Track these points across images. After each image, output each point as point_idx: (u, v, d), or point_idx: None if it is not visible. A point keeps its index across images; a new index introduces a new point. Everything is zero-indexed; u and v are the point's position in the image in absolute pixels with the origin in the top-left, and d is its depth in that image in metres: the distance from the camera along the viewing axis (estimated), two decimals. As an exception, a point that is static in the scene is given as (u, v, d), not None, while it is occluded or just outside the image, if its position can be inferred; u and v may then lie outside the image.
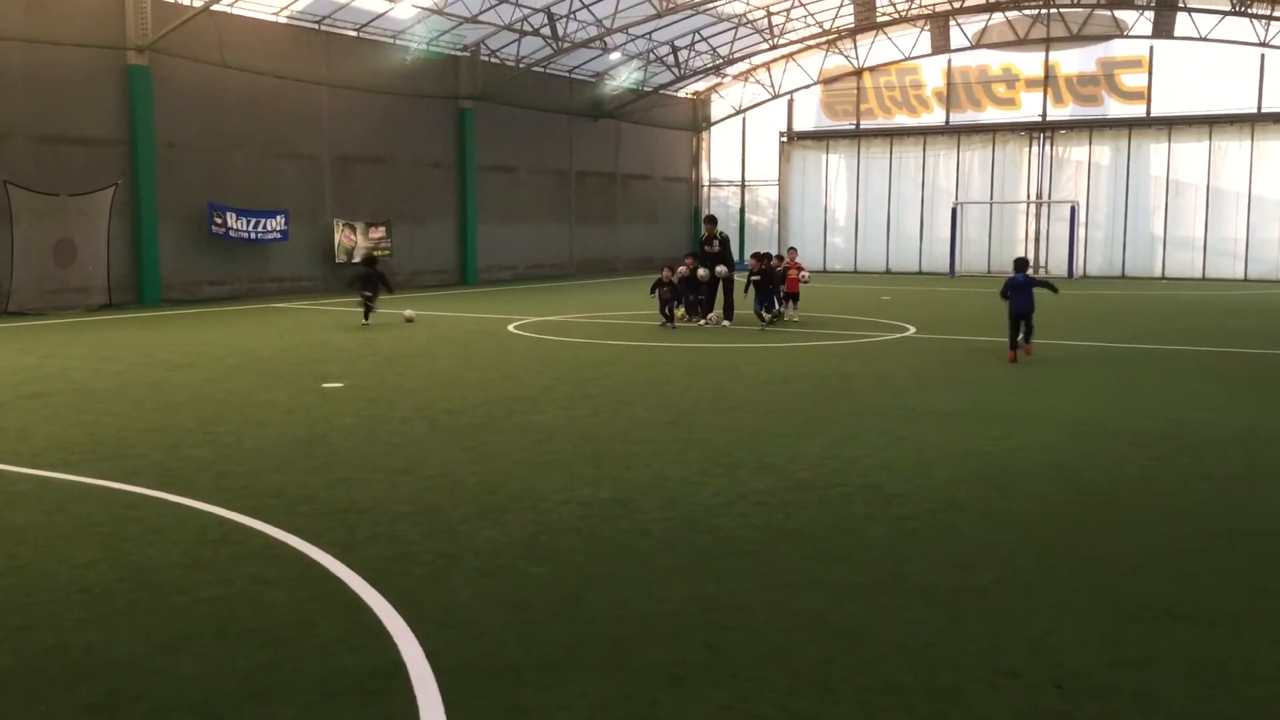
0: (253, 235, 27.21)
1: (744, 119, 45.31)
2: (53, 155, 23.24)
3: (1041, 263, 40.01)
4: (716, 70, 42.16)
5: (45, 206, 22.80)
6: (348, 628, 5.19)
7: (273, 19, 27.92)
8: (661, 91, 41.51)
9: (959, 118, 41.38)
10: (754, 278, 20.45)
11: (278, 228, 27.77)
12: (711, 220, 22.11)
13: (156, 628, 5.18)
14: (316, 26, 29.00)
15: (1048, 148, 40.21)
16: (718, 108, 45.77)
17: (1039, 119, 40.02)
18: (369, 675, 4.64)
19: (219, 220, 26.32)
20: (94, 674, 4.66)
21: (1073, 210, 39.12)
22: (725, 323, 20.42)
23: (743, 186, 46.17)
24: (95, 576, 5.94)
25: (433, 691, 4.47)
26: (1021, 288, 15.33)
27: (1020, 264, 16.22)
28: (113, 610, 5.43)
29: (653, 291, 20.54)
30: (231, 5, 25.89)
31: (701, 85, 44.35)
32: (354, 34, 30.02)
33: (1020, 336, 15.29)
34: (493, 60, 34.14)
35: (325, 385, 12.86)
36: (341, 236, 29.81)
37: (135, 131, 24.58)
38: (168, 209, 25.40)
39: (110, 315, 22.59)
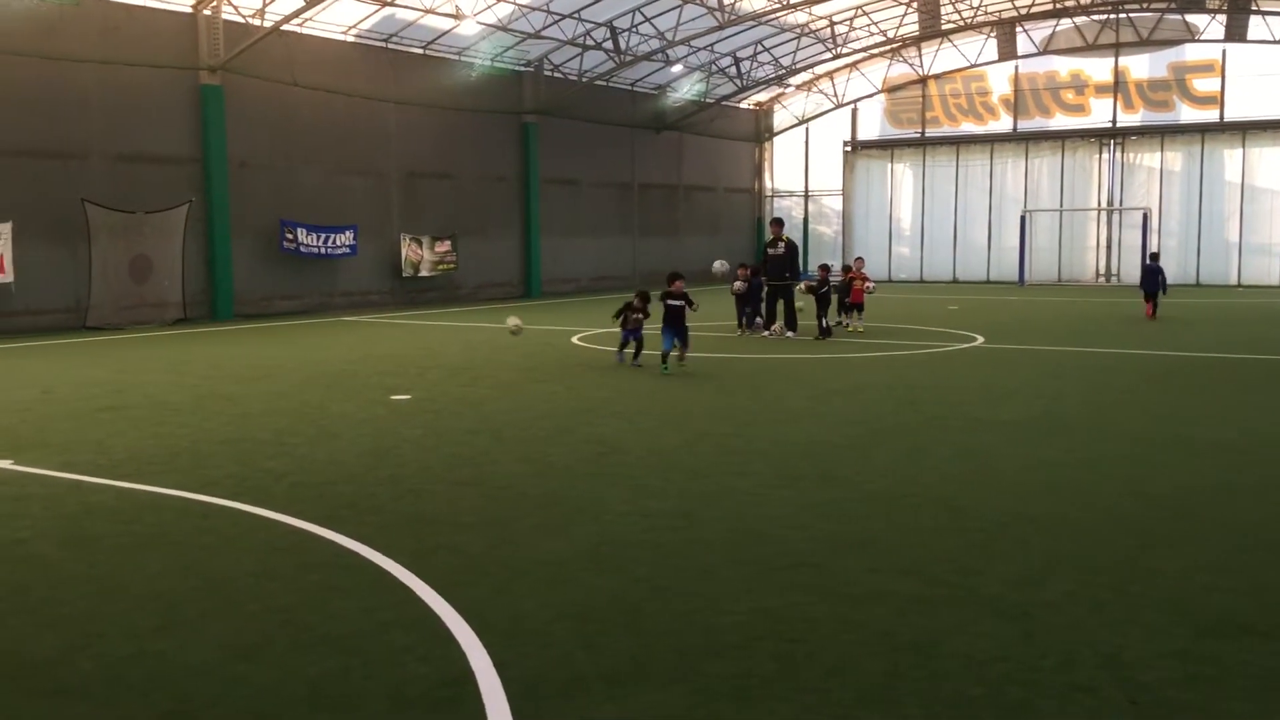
0: (322, 250, 27.67)
1: (807, 129, 45.16)
2: (128, 174, 23.85)
3: (1113, 270, 39.33)
4: (779, 80, 42.08)
5: (121, 224, 23.38)
6: (417, 636, 5.24)
7: (341, 38, 28.42)
8: (724, 103, 41.52)
9: (1027, 125, 40.85)
10: (822, 289, 20.37)
11: (346, 243, 28.21)
12: (778, 222, 21.91)
13: (230, 636, 5.28)
14: (384, 45, 29.45)
15: (1118, 154, 39.54)
16: (780, 118, 45.66)
17: (1109, 125, 39.40)
18: (438, 684, 4.69)
19: (290, 236, 26.80)
20: (169, 681, 4.76)
21: (1145, 217, 38.39)
22: (789, 334, 20.33)
23: (806, 197, 45.98)
24: (170, 585, 6.07)
25: (501, 702, 4.49)
26: (1150, 273, 23.78)
27: (1152, 256, 25.69)
28: (187, 618, 5.55)
29: (617, 317, 16.14)
30: (301, 25, 26.39)
31: (764, 96, 44.30)
32: (420, 51, 30.43)
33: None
34: (555, 75, 34.40)
35: (393, 397, 13.02)
36: (408, 251, 30.19)
37: (208, 150, 25.14)
38: (240, 225, 25.92)
39: (185, 330, 23.09)
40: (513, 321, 16.58)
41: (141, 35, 23.91)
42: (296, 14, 24.86)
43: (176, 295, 24.61)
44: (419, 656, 4.99)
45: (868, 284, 21.91)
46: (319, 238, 27.53)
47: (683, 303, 15.34)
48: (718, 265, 16.16)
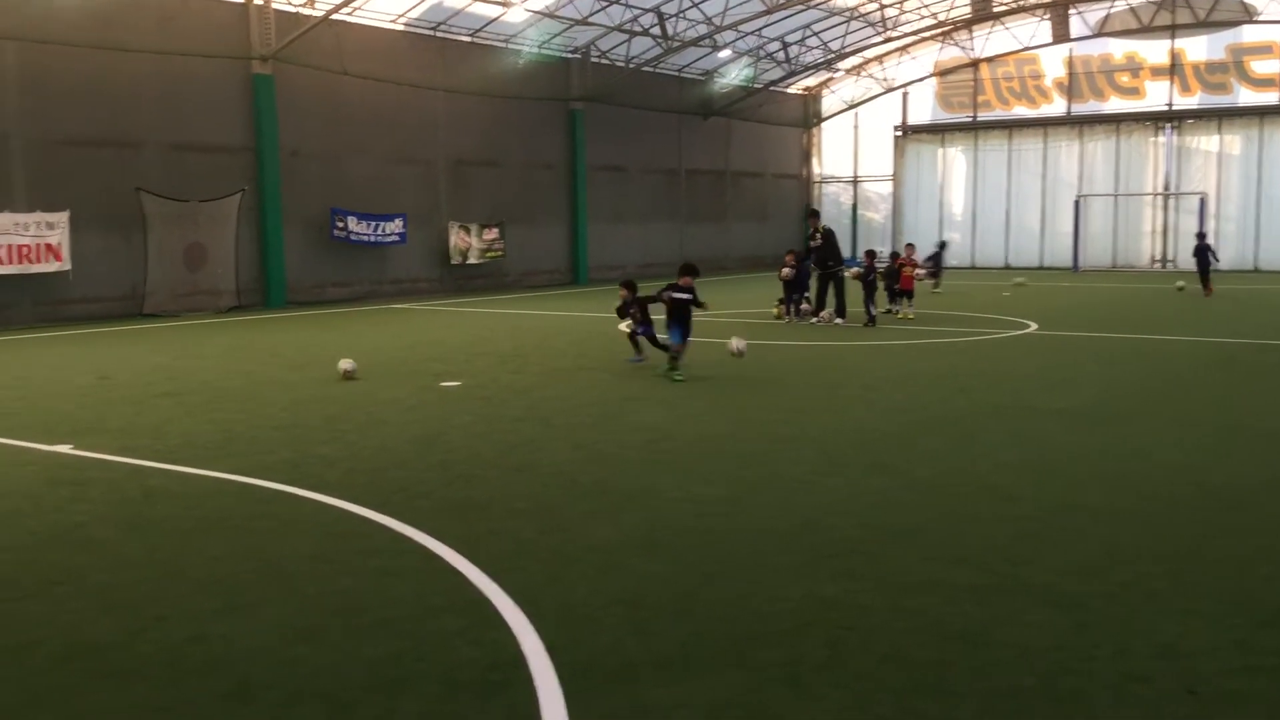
0: (372, 238, 27.91)
1: (856, 113, 44.80)
2: (182, 163, 24.17)
3: (1170, 256, 38.70)
4: (828, 65, 41.76)
5: (176, 212, 23.73)
6: (470, 621, 5.30)
7: (390, 26, 28.58)
8: (771, 88, 41.28)
9: (1081, 108, 40.23)
10: (868, 276, 20.26)
11: (396, 231, 28.43)
12: (814, 214, 21.95)
13: (288, 618, 5.37)
14: (432, 33, 29.59)
15: (1175, 138, 38.84)
16: (829, 103, 45.33)
17: (1165, 108, 38.70)
18: (490, 668, 4.73)
19: (340, 224, 27.06)
20: (229, 663, 4.84)
21: (1202, 202, 37.71)
22: (838, 320, 20.23)
23: (855, 182, 45.65)
24: (229, 569, 6.18)
25: (553, 686, 4.53)
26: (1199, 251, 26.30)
27: (1198, 235, 27.90)
28: (246, 601, 5.64)
29: (622, 315, 15.18)
30: (350, 14, 26.57)
31: (812, 81, 43.98)
32: (468, 39, 30.54)
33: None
34: (603, 61, 34.38)
35: (443, 384, 13.12)
36: (456, 238, 30.36)
37: (260, 139, 25.42)
38: (292, 214, 26.20)
39: (239, 317, 23.40)
40: (737, 344, 14.38)
41: (195, 25, 24.19)
42: (346, 3, 25.03)
43: (230, 283, 24.94)
44: (471, 640, 5.04)
45: (918, 271, 21.75)
46: (369, 226, 27.76)
47: (690, 297, 13.59)
48: (736, 344, 14.19)
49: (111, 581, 5.99)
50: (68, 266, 21.75)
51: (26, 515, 7.36)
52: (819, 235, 20.78)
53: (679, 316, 13.51)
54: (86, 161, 22.53)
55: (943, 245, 30.70)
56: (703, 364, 14.62)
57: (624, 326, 14.99)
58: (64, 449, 9.52)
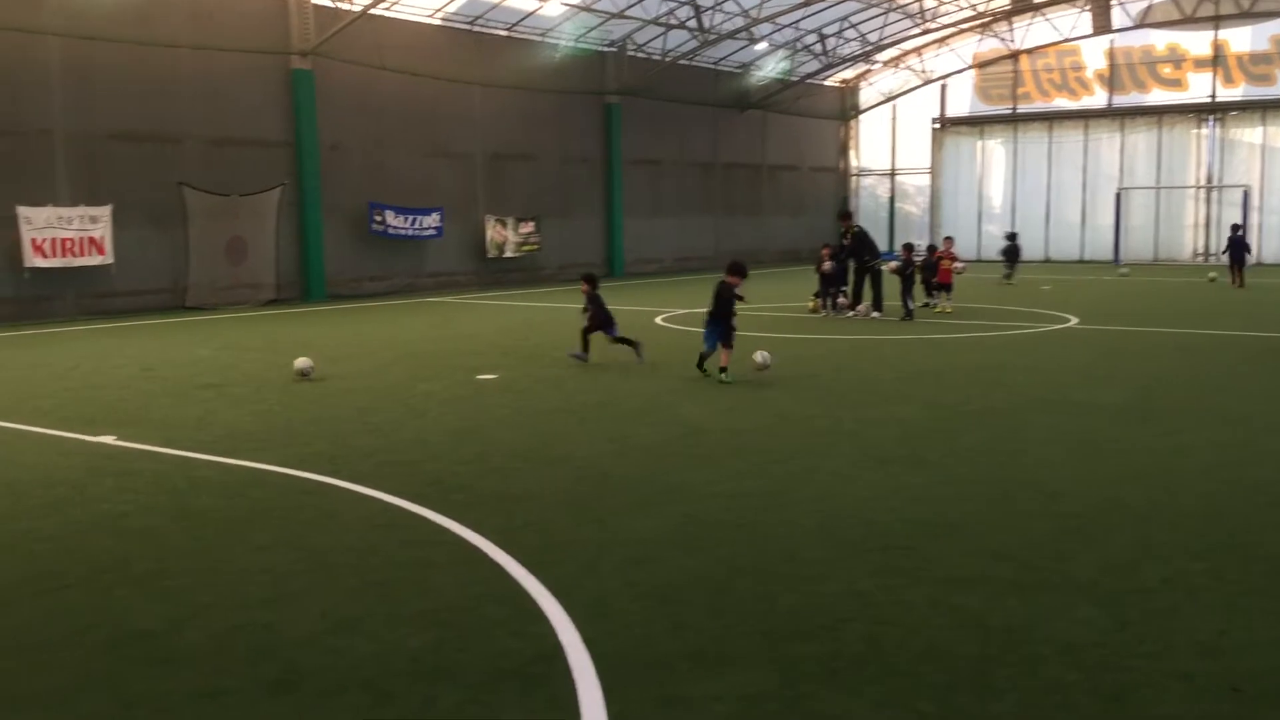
0: (410, 232, 28.08)
1: (894, 106, 44.50)
2: (223, 157, 24.41)
3: (1212, 249, 38.17)
4: (865, 57, 41.52)
5: (217, 207, 23.97)
6: (509, 612, 5.33)
7: (427, 21, 28.71)
8: (808, 80, 41.10)
9: (1122, 100, 39.78)
10: (906, 270, 20.14)
11: (433, 224, 28.59)
12: (844, 215, 21.82)
13: (331, 608, 5.43)
14: (469, 27, 29.69)
15: (1218, 130, 38.31)
16: (866, 95, 45.08)
17: (1208, 100, 38.16)
18: (530, 660, 4.77)
19: (379, 218, 27.24)
20: (274, 651, 4.91)
21: (1245, 195, 37.16)
22: (874, 314, 20.13)
23: (892, 175, 45.37)
24: (274, 558, 6.25)
25: (591, 678, 4.56)
26: (1235, 244, 26.73)
27: (1234, 228, 28.31)
28: (290, 591, 5.71)
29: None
30: (389, 8, 26.71)
31: (849, 73, 43.74)
32: (505, 33, 30.62)
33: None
34: (639, 55, 34.36)
35: (479, 377, 13.19)
36: (493, 232, 30.48)
37: (300, 133, 25.62)
38: (331, 208, 26.41)
39: (278, 310, 23.62)
40: (761, 357, 13.05)
41: (235, 21, 24.41)
42: (384, -2, 25.19)
43: (270, 276, 25.17)
44: (511, 631, 5.08)
45: (956, 264, 21.60)
46: (406, 220, 27.93)
47: (732, 297, 12.71)
48: (760, 358, 12.86)
49: (157, 570, 6.08)
50: (111, 260, 22.04)
51: (72, 505, 7.48)
52: (850, 236, 20.79)
53: (717, 315, 12.57)
54: (129, 156, 22.80)
55: (1012, 237, 30.88)
56: (736, 359, 14.60)
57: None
58: (108, 439, 9.67)
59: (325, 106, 26.06)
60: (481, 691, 4.47)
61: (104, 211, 21.90)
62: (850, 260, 20.66)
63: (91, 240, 21.75)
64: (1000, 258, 30.85)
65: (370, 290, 27.55)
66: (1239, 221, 32.07)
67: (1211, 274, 28.52)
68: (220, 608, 5.47)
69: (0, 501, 7.60)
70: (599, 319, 14.42)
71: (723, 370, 12.37)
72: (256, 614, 5.37)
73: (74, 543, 6.62)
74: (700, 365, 12.80)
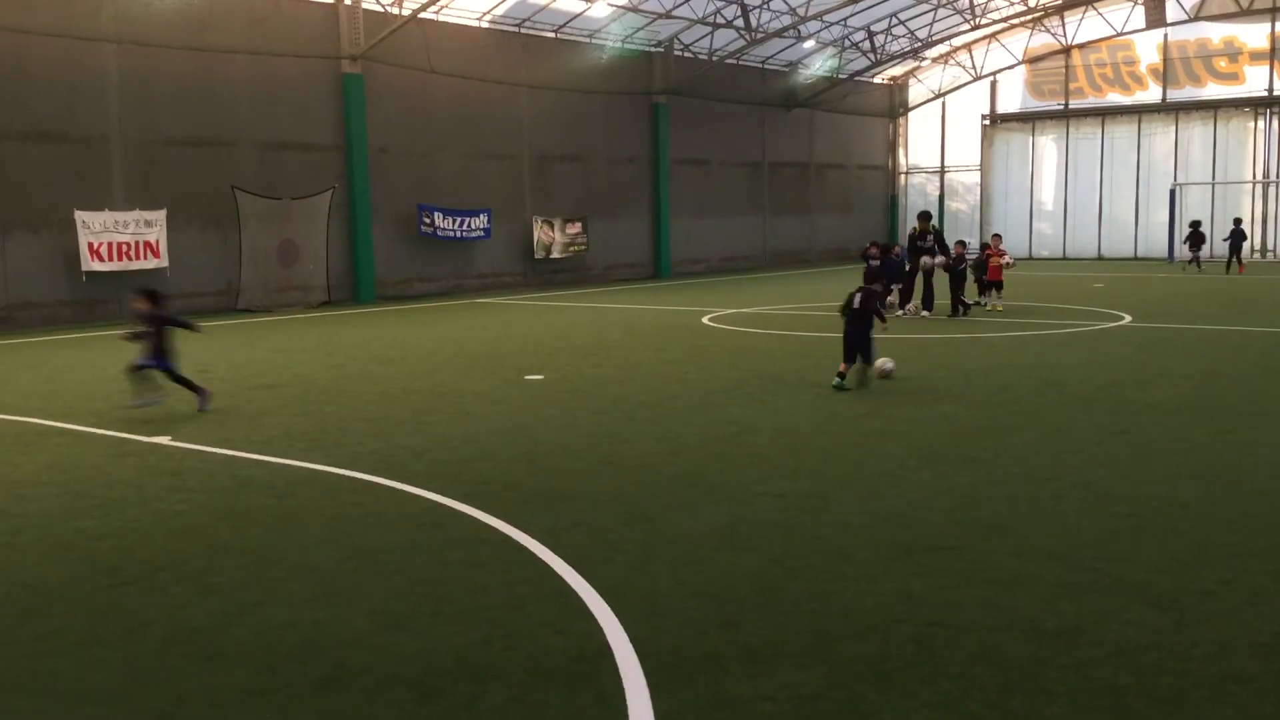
0: (458, 234, 28.24)
1: (943, 103, 44.10)
2: (275, 161, 24.71)
3: (1270, 245, 37.42)
4: (914, 54, 41.17)
5: (269, 210, 24.26)
6: (555, 611, 5.34)
7: (475, 24, 28.87)
8: (857, 78, 40.83)
9: (1177, 94, 39.10)
10: (959, 266, 19.94)
11: (481, 226, 28.73)
12: (925, 216, 21.41)
13: (379, 606, 5.47)
14: (517, 30, 29.82)
15: (1275, 124, 37.54)
16: (915, 92, 44.70)
17: (1265, 94, 37.40)
18: (576, 658, 4.77)
19: (427, 220, 27.43)
20: (322, 649, 4.95)
21: (1305, 189, 36.42)
22: (924, 313, 19.95)
23: (942, 172, 44.95)
24: (322, 557, 6.31)
25: (638, 677, 4.55)
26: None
27: (1235, 221, 31.21)
28: (338, 589, 5.76)
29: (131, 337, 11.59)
30: (437, 13, 26.89)
31: (898, 70, 43.40)
32: (552, 35, 30.71)
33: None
34: (685, 55, 34.32)
35: (527, 377, 13.23)
36: (540, 233, 30.58)
37: (350, 137, 25.87)
38: (380, 210, 26.64)
39: (329, 312, 23.86)
40: (885, 365, 12.46)
41: (286, 26, 24.70)
42: (433, 1, 25.34)
43: (321, 279, 25.43)
44: (557, 630, 5.08)
45: (1005, 258, 21.34)
46: (455, 221, 28.10)
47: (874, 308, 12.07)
48: (885, 365, 12.24)
49: (210, 568, 6.15)
50: (165, 263, 22.37)
51: (129, 504, 7.60)
52: (930, 236, 20.67)
53: (865, 324, 11.93)
54: (183, 161, 23.15)
55: (1196, 224, 33.19)
56: (788, 354, 14.53)
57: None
58: (163, 440, 9.81)
59: (375, 110, 26.29)
60: (527, 690, 4.47)
61: (159, 215, 22.25)
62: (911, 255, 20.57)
63: (147, 244, 22.10)
64: (1185, 245, 33.05)
65: (419, 291, 27.75)
66: (1240, 216, 34.52)
67: (1097, 284, 27.53)
68: (270, 605, 5.53)
69: (61, 501, 7.74)
70: (156, 350, 11.04)
71: (841, 376, 11.84)
72: (304, 611, 5.41)
73: (131, 541, 6.72)
74: (840, 382, 11.82)
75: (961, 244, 20.86)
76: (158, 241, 22.22)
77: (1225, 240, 32.20)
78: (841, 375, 11.87)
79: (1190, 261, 32.38)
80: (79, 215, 21.10)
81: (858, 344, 11.86)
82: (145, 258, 22.06)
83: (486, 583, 5.78)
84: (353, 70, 25.69)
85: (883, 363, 12.37)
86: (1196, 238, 32.38)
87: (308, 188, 25.02)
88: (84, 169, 21.68)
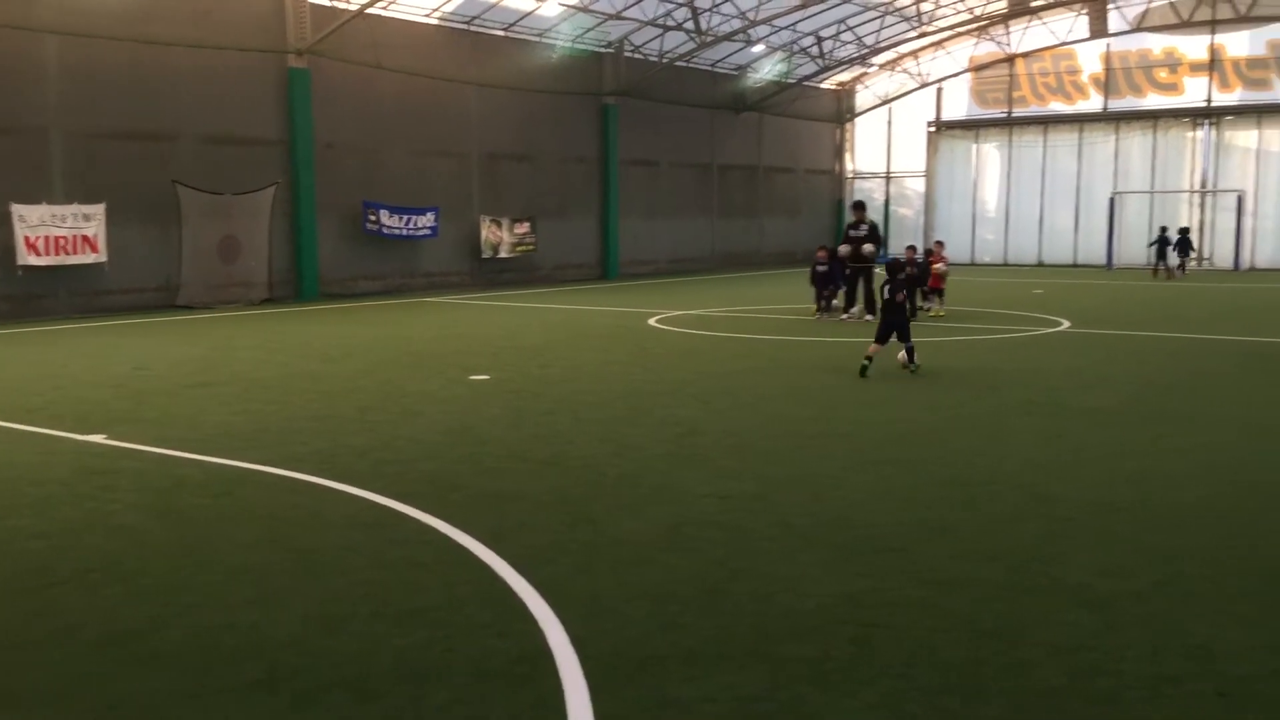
0: (404, 232, 28.02)
1: (890, 109, 44.53)
2: (217, 156, 24.34)
3: (1205, 254, 38.21)
4: (862, 60, 41.53)
5: (210, 205, 23.90)
6: (496, 612, 5.31)
7: (424, 20, 28.67)
8: (805, 83, 41.10)
9: (1118, 104, 39.82)
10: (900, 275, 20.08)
11: (428, 224, 28.54)
12: (859, 206, 21.54)
13: (316, 608, 5.40)
14: (466, 27, 29.65)
15: (1213, 134, 38.36)
16: (862, 98, 45.10)
17: (1204, 104, 38.21)
18: (517, 660, 4.74)
19: (373, 217, 27.19)
20: (259, 651, 4.88)
21: (1239, 199, 37.24)
22: (868, 317, 20.10)
23: (888, 178, 45.38)
24: (259, 558, 6.22)
25: (578, 678, 4.53)
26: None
27: (1180, 231, 32.39)
28: (275, 590, 5.68)
29: None
30: (385, 8, 26.67)
31: (846, 76, 43.76)
32: (501, 33, 30.59)
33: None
34: (636, 56, 34.35)
35: (472, 377, 13.16)
36: (488, 232, 30.43)
37: (295, 132, 25.57)
38: (325, 207, 26.35)
39: (271, 309, 23.57)
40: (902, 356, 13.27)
41: (231, 19, 24.36)
42: (380, -3, 25.15)
43: (263, 275, 25.11)
44: (498, 632, 5.05)
45: (938, 265, 21.48)
46: (401, 219, 27.88)
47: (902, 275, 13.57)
48: (844, 248, 13.36)
49: (143, 569, 6.04)
50: (104, 258, 21.96)
51: (62, 503, 7.45)
52: (864, 226, 20.46)
53: (889, 311, 13.27)
54: (123, 154, 22.73)
55: (1184, 231, 34.38)
56: (735, 356, 14.58)
57: None
58: (98, 438, 9.63)
59: (321, 105, 26.01)
60: (468, 692, 4.44)
61: (98, 209, 21.84)
62: (850, 259, 20.42)
63: (85, 238, 21.69)
64: (1174, 251, 33.58)
65: (364, 290, 27.50)
66: (1186, 225, 36.02)
67: (1037, 290, 28.14)
68: (205, 607, 5.44)
69: (-12, 499, 7.56)
70: None
71: (868, 360, 12.96)
72: (241, 614, 5.33)
73: (63, 541, 6.58)
74: (863, 370, 12.94)
75: (912, 249, 21.06)
76: (96, 236, 21.80)
77: (1151, 245, 33.86)
78: (869, 359, 12.95)
79: (1177, 267, 33.31)
80: (15, 208, 20.63)
81: (896, 326, 13.04)
82: (83, 252, 21.63)
83: (428, 584, 5.73)
84: (299, 65, 25.40)
85: (902, 354, 13.31)
86: (1184, 244, 33.52)
87: (251, 183, 24.69)
88: (21, 161, 21.20)
